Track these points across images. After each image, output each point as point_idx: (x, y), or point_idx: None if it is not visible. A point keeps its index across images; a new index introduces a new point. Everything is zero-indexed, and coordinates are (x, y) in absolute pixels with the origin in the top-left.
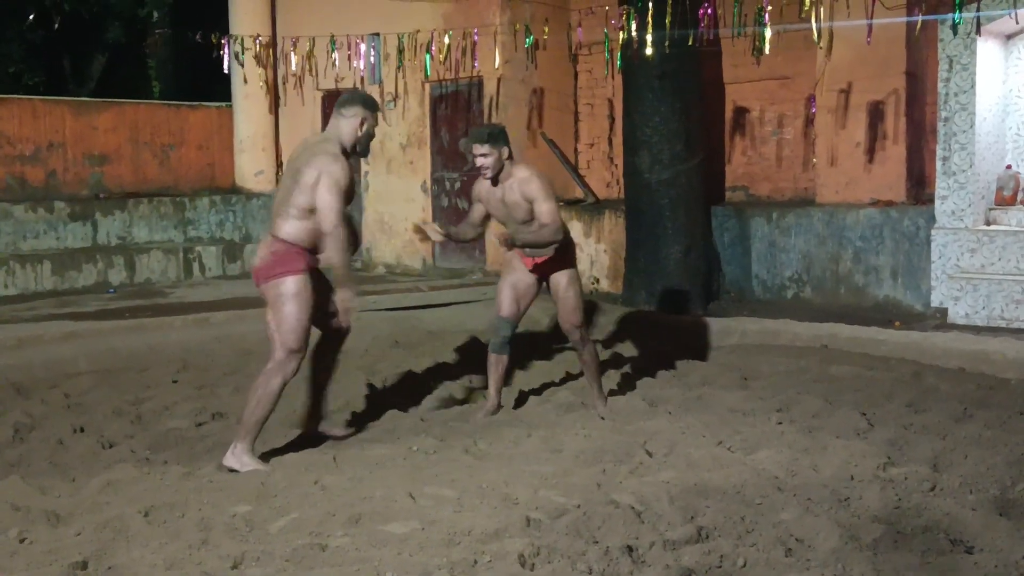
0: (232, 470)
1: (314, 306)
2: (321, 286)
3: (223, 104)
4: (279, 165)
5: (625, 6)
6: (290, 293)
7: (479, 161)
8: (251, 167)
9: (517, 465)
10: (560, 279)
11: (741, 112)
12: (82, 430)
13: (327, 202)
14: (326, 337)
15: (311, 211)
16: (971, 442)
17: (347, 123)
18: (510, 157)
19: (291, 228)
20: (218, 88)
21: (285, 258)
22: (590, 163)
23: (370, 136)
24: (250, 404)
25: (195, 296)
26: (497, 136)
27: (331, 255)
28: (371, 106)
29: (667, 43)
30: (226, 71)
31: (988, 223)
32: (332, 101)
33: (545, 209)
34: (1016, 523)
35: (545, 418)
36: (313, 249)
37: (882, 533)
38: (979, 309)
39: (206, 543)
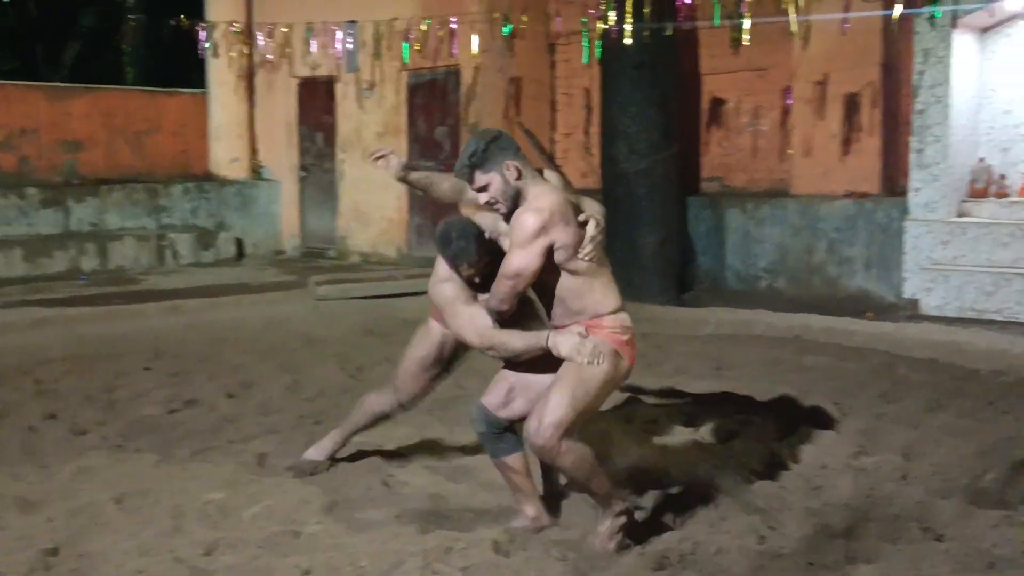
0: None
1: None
2: None
3: (198, 91)
4: (254, 152)
5: None
6: None
7: (481, 198)
8: (226, 154)
9: None
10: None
11: (718, 103)
12: (54, 417)
13: None
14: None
15: None
16: (942, 432)
17: None
18: (520, 174)
19: None
20: (193, 75)
21: None
22: (567, 153)
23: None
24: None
25: (168, 284)
26: (486, 153)
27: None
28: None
29: (645, 33)
30: (201, 57)
31: (961, 215)
32: (307, 89)
33: (509, 260)
34: (986, 512)
35: None
36: None
37: (854, 521)
38: (951, 300)
39: (179, 530)
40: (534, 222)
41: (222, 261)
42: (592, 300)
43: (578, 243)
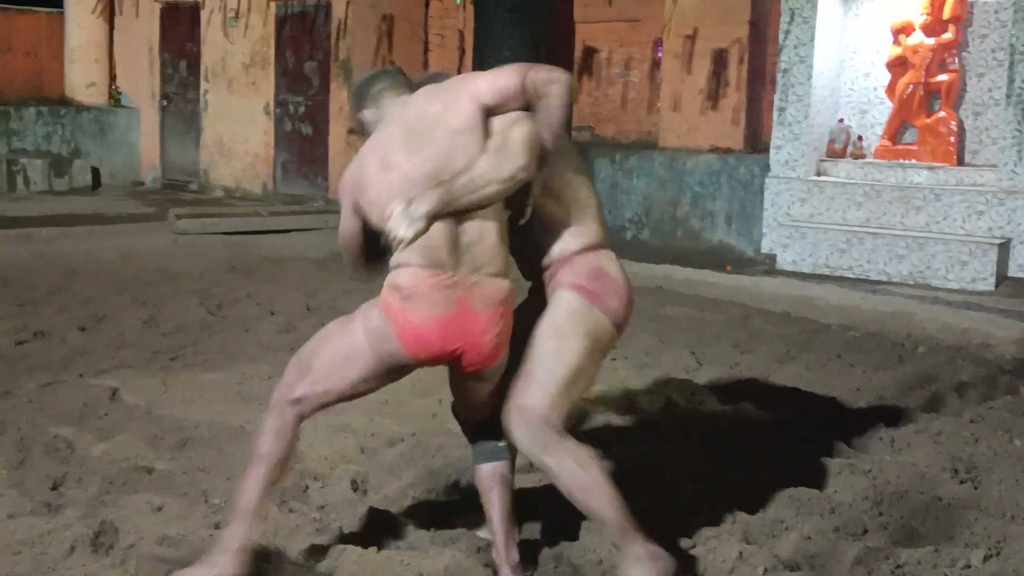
0: None
1: None
2: None
3: (54, 10)
4: (112, 78)
5: None
6: None
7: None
8: (82, 79)
9: None
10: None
11: (590, 52)
12: None
13: None
14: None
15: None
16: (792, 382)
17: None
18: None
19: None
20: None
21: None
22: None
23: None
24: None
25: (18, 210)
26: (355, 96)
27: None
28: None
29: None
30: None
31: (819, 174)
32: (171, 14)
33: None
34: (830, 459)
35: None
36: None
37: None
38: (806, 257)
39: (24, 463)
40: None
41: (77, 190)
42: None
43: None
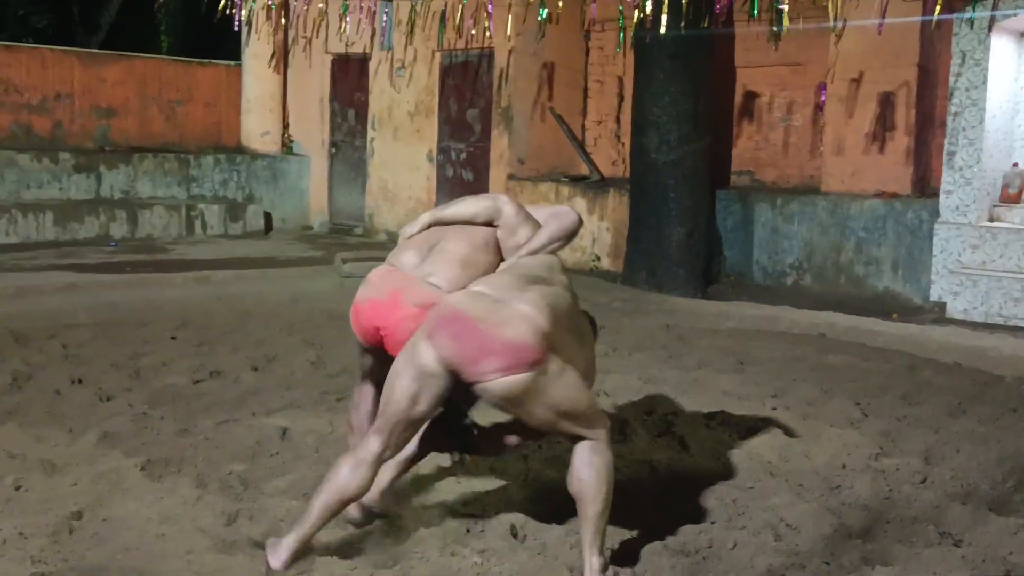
0: None
1: None
2: None
3: (232, 63)
4: (285, 127)
5: None
6: None
7: None
8: (257, 127)
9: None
10: None
11: (751, 97)
12: (80, 381)
13: None
14: None
15: None
16: (963, 437)
17: None
18: None
19: None
20: (227, 46)
21: None
22: (597, 140)
23: None
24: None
25: (196, 254)
26: None
27: None
28: None
29: (682, 23)
30: (236, 29)
31: (992, 220)
32: (341, 65)
33: None
34: (1005, 519)
35: None
36: None
37: (871, 522)
38: (978, 305)
39: (201, 499)
40: None
41: (250, 234)
42: None
43: None
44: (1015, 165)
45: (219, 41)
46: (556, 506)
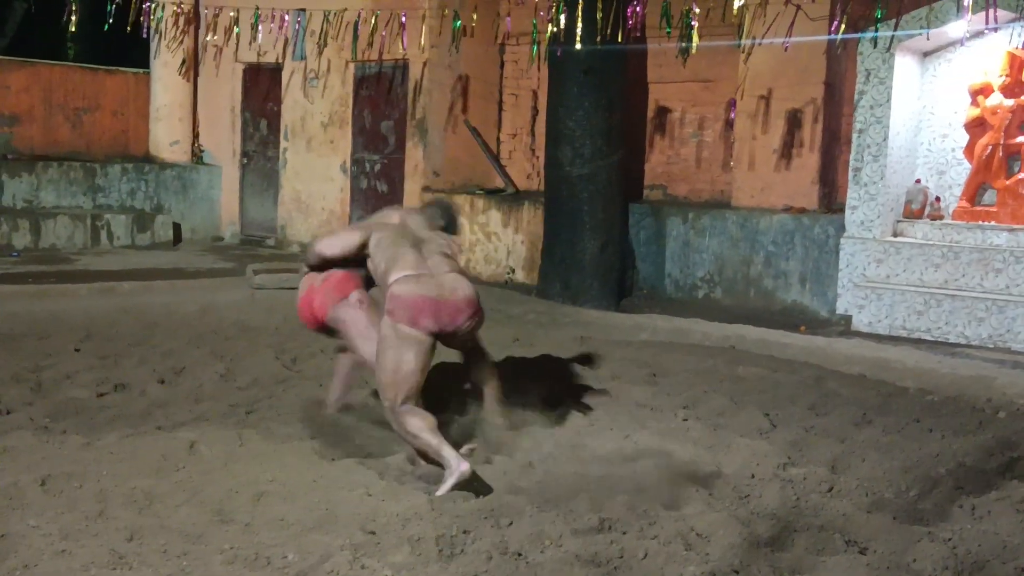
0: None
1: None
2: None
3: (141, 71)
4: (196, 136)
5: None
6: None
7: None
8: (166, 136)
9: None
10: None
11: (663, 112)
12: None
13: None
14: None
15: None
16: (869, 446)
17: None
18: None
19: None
20: (136, 54)
21: None
22: (512, 153)
23: None
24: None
25: (102, 264)
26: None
27: None
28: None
29: (597, 39)
30: (145, 37)
31: (895, 235)
32: (253, 74)
33: None
34: (909, 527)
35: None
36: None
37: (780, 531)
38: (882, 318)
39: (103, 515)
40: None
41: (158, 245)
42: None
43: None
44: (918, 181)
45: (128, 49)
46: (470, 520)
